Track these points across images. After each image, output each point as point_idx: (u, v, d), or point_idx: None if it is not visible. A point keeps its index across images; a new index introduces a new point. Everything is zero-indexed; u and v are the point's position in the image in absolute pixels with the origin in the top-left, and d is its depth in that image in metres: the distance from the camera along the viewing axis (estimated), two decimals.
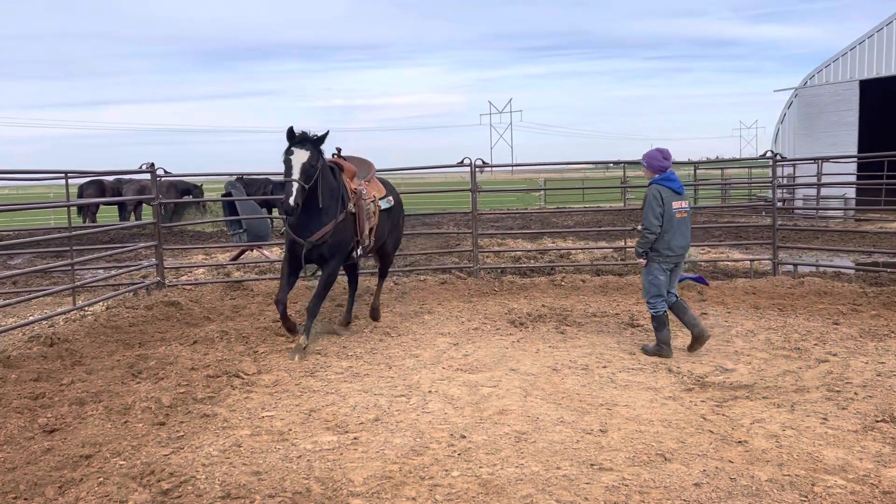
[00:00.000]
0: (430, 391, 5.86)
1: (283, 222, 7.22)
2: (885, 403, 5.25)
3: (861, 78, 25.42)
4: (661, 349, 6.83)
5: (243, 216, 12.86)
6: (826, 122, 26.54)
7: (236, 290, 10.35)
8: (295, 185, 6.58)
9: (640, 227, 6.88)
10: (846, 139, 25.54)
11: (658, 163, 6.92)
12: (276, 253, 13.35)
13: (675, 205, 6.77)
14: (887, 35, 24.63)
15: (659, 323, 6.83)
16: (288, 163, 6.65)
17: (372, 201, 7.71)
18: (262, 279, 11.16)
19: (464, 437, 4.83)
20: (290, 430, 5.04)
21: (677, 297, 6.97)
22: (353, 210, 7.37)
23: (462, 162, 11.08)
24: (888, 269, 11.02)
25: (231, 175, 16.71)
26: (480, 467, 4.33)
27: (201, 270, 13.13)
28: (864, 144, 25.11)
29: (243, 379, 6.22)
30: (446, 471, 4.28)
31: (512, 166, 14.35)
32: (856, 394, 5.51)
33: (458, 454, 4.53)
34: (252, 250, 13.53)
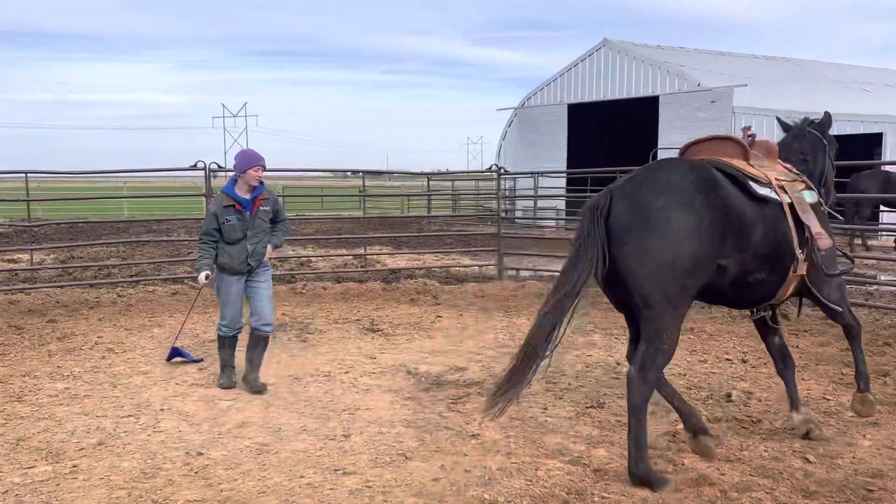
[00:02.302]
0: (162, 409, 5.48)
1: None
2: (594, 391, 5.91)
3: (568, 102, 28.51)
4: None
5: None
6: (541, 140, 29.35)
7: None
8: None
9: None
10: (558, 156, 28.46)
11: None
12: None
13: None
14: (588, 66, 27.90)
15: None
16: None
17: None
18: None
19: (201, 453, 4.58)
20: None
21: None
22: None
23: (196, 165, 10.55)
24: None
25: None
26: (220, 483, 4.13)
27: None
28: (571, 161, 28.15)
29: None
30: (181, 491, 4.02)
31: None
32: (569, 384, 6.13)
33: (195, 472, 4.28)
34: None
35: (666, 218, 4.00)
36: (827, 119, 5.32)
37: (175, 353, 6.81)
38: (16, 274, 12.00)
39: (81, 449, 4.67)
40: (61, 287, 10.52)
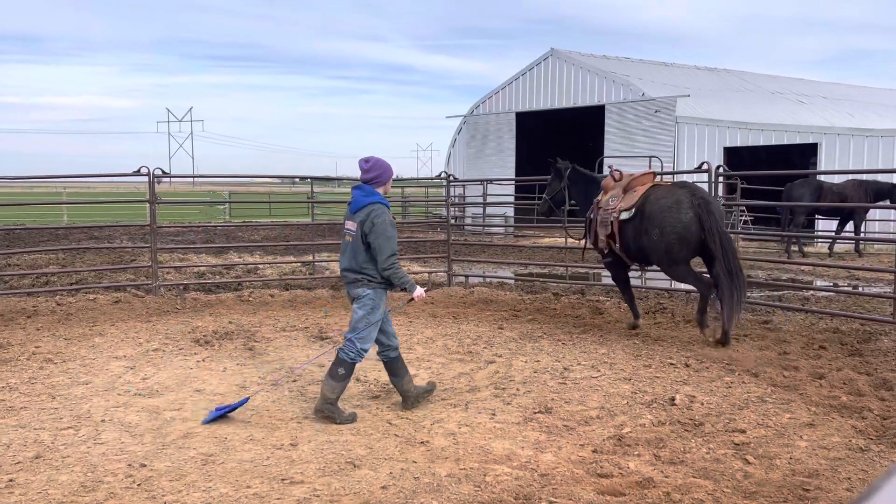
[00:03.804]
0: (103, 420, 5.34)
1: None
2: (541, 397, 5.97)
3: (517, 110, 28.79)
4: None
5: None
6: (490, 147, 29.59)
7: None
8: None
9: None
10: (507, 163, 28.73)
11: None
12: None
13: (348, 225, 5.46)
14: (536, 75, 28.25)
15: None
16: None
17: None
18: None
19: (144, 465, 4.48)
20: None
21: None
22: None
23: (139, 171, 10.34)
24: (540, 279, 12.63)
25: None
26: (164, 495, 4.05)
27: None
28: (520, 168, 28.45)
29: None
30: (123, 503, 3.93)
31: (193, 177, 13.75)
32: (518, 390, 6.18)
33: (138, 484, 4.19)
34: None
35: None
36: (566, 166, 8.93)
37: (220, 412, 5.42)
38: None
39: (18, 462, 4.52)
40: None
